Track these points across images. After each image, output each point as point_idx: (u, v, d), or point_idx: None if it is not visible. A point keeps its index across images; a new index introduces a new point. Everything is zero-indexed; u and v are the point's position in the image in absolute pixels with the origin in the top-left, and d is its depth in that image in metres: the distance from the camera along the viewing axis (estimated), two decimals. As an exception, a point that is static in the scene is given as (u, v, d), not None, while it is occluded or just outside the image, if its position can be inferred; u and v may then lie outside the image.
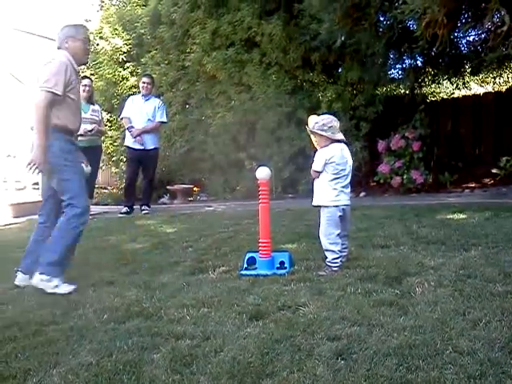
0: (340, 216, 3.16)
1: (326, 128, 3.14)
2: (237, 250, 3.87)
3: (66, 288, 3.09)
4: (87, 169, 3.87)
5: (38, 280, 3.13)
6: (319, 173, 3.17)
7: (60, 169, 3.23)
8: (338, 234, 3.14)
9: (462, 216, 4.66)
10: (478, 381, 1.60)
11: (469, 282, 2.59)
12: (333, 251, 3.10)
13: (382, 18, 6.96)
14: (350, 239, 3.44)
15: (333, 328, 2.13)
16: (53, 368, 1.96)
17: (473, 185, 7.69)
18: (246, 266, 3.29)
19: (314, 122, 3.19)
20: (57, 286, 3.09)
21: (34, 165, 3.11)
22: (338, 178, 3.15)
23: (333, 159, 3.12)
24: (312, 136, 3.27)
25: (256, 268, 3.25)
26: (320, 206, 3.20)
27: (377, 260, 3.20)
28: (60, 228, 3.25)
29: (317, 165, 3.16)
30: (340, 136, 3.19)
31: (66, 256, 3.26)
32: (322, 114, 3.44)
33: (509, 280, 2.59)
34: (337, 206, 3.14)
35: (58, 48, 3.38)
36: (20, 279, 3.34)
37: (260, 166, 3.38)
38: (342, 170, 3.16)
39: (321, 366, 1.79)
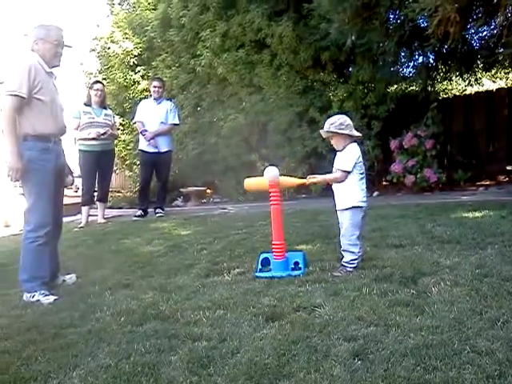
0: (362, 217, 3.14)
1: (343, 127, 3.10)
2: (251, 251, 3.88)
3: (46, 300, 3.10)
4: (68, 179, 3.71)
5: (24, 297, 3.19)
6: (348, 174, 3.11)
7: (28, 176, 3.18)
8: (358, 236, 3.13)
9: (477, 214, 4.61)
10: (496, 381, 1.59)
11: (485, 281, 2.57)
12: (352, 252, 3.09)
13: (391, 16, 6.92)
14: (364, 239, 3.43)
15: (349, 328, 2.13)
16: (73, 370, 1.99)
17: (487, 182, 7.61)
18: (260, 267, 3.30)
19: (329, 123, 3.15)
20: (38, 300, 3.11)
21: (12, 173, 3.13)
22: (363, 178, 3.14)
23: (360, 159, 3.11)
24: (330, 138, 3.20)
25: (270, 269, 3.25)
26: (349, 208, 3.12)
27: (392, 260, 3.19)
28: (22, 244, 3.27)
29: (348, 165, 3.08)
30: (357, 132, 3.17)
31: (41, 269, 3.25)
32: (334, 114, 3.42)
33: (526, 278, 2.56)
34: (362, 207, 3.13)
35: (31, 50, 3.33)
36: None
37: (268, 166, 3.38)
38: (364, 169, 3.16)
39: (338, 366, 1.79)
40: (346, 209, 3.13)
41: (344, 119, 3.14)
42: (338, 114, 3.37)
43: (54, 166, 3.34)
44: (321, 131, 3.24)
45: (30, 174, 3.18)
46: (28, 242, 3.22)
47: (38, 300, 3.11)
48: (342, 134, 3.11)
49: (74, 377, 1.93)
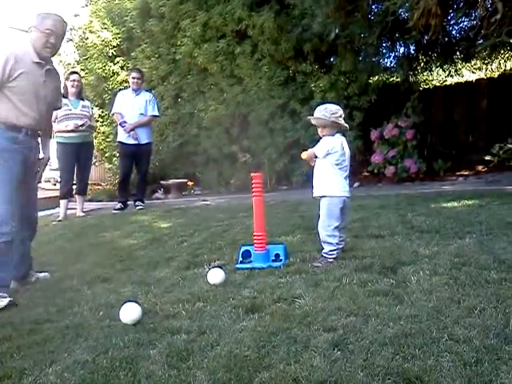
0: (341, 208, 3.14)
1: (339, 117, 3.15)
2: (232, 243, 3.87)
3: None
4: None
5: None
6: (316, 158, 3.16)
7: None
8: (337, 227, 3.12)
9: (456, 204, 4.66)
10: (473, 368, 1.61)
11: (464, 270, 2.60)
12: (330, 243, 3.09)
13: (373, 7, 6.93)
14: (344, 230, 3.43)
15: (329, 319, 2.13)
16: (48, 367, 1.95)
17: (466, 172, 7.71)
18: (241, 259, 3.28)
19: (330, 111, 3.12)
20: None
21: None
22: (340, 169, 3.14)
23: (335, 149, 3.11)
24: (317, 124, 3.21)
25: (251, 261, 3.24)
26: (323, 197, 3.15)
27: (372, 250, 3.21)
28: None
29: (320, 151, 3.13)
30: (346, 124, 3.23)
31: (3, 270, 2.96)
32: (316, 105, 3.38)
33: (503, 267, 2.59)
34: (340, 197, 3.13)
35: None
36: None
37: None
38: (343, 160, 3.15)
39: (317, 357, 1.79)
40: (321, 197, 3.17)
41: (342, 111, 3.18)
42: (320, 104, 3.35)
43: (23, 159, 3.12)
44: (311, 118, 3.21)
45: None
46: None
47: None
48: (339, 123, 3.14)
49: (50, 373, 1.88)
